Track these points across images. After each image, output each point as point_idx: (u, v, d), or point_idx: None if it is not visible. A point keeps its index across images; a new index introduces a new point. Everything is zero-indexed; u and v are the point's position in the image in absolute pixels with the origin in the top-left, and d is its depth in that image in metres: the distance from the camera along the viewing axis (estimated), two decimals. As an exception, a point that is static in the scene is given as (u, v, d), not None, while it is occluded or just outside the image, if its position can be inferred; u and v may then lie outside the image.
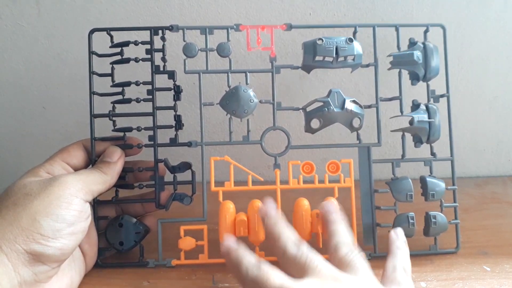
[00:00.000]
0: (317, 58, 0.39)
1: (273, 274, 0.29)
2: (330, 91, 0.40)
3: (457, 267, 0.38)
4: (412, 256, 0.39)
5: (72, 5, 0.52)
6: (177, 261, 0.39)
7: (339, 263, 0.31)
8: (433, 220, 0.39)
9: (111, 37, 0.40)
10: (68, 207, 0.31)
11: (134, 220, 0.39)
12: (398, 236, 0.36)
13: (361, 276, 0.30)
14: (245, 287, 0.30)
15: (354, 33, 0.41)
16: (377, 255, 0.40)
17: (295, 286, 0.28)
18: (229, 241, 0.33)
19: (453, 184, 0.41)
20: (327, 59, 0.39)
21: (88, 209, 0.34)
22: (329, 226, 0.35)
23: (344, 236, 0.34)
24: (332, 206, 0.36)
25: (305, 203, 0.39)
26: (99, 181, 0.35)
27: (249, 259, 0.30)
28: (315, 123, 0.40)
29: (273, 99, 0.40)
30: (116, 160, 0.37)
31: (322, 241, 0.38)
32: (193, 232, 0.39)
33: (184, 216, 0.40)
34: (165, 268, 0.38)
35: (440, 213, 0.40)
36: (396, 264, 0.33)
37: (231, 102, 0.39)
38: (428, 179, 0.40)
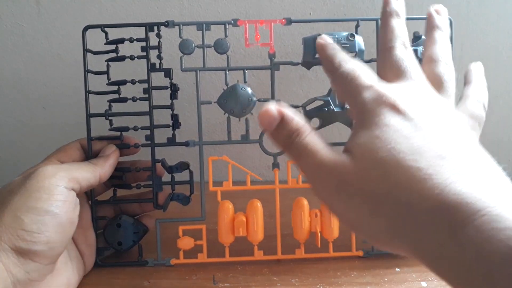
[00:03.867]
0: (318, 55, 0.38)
1: (365, 72, 0.26)
2: (330, 90, 0.39)
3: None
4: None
5: (72, 5, 0.52)
6: (176, 260, 0.39)
7: (432, 78, 0.28)
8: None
9: (106, 34, 0.39)
10: (49, 198, 0.30)
11: (132, 220, 0.39)
12: (439, 13, 0.32)
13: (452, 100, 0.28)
14: (334, 82, 0.29)
15: (357, 27, 0.39)
16: (375, 253, 0.40)
17: (386, 89, 0.25)
18: (326, 38, 0.31)
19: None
20: (327, 56, 0.38)
21: (74, 198, 0.32)
22: (431, 32, 0.31)
23: (445, 49, 0.30)
24: (442, 9, 0.33)
25: (304, 202, 0.39)
26: (85, 169, 0.34)
27: (344, 55, 0.29)
28: (315, 123, 0.39)
29: (272, 97, 0.39)
30: (109, 154, 0.37)
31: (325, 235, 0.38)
32: (191, 231, 0.39)
33: (183, 216, 0.39)
34: (165, 268, 0.39)
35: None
36: (434, 54, 0.29)
37: (229, 101, 0.38)
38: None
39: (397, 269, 0.38)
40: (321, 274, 0.37)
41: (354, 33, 0.38)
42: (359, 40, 0.38)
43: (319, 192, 0.26)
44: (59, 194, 0.31)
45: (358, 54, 0.38)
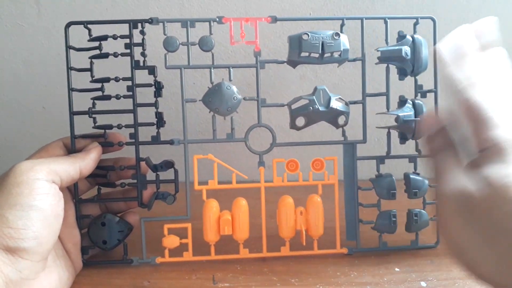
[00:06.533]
0: (303, 54, 0.38)
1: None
2: (315, 89, 0.39)
3: (457, 266, 0.39)
4: (395, 251, 0.40)
5: (72, 5, 0.52)
6: (161, 259, 0.39)
7: None
8: (415, 217, 0.39)
9: (89, 30, 0.38)
10: (31, 193, 0.30)
11: (117, 218, 0.38)
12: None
13: None
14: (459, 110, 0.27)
15: (342, 26, 0.39)
16: (359, 250, 0.40)
17: None
18: None
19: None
20: (313, 55, 0.38)
21: (56, 191, 0.32)
22: None
23: None
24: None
25: (289, 200, 0.40)
26: (63, 161, 0.33)
27: None
28: (300, 121, 0.39)
29: (258, 96, 0.39)
30: (90, 148, 0.36)
31: (307, 234, 0.39)
32: (177, 230, 0.39)
33: (168, 214, 0.39)
34: (166, 268, 0.38)
35: (422, 210, 0.40)
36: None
37: (214, 99, 0.38)
38: (411, 176, 0.40)
39: (397, 269, 0.38)
40: (321, 274, 0.37)
41: (339, 32, 0.38)
42: (343, 39, 0.38)
43: (440, 205, 0.27)
44: (40, 188, 0.30)
45: (343, 53, 0.38)
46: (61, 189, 0.33)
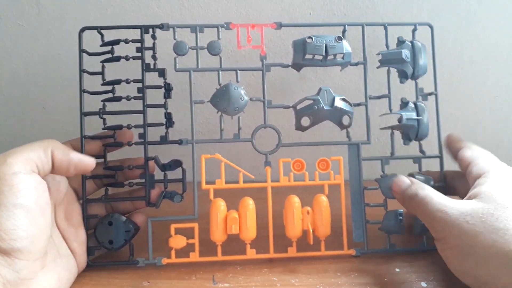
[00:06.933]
0: (307, 56, 0.40)
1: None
2: (320, 89, 0.40)
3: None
4: (395, 251, 0.40)
5: (72, 5, 0.52)
6: (167, 260, 0.38)
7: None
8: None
9: (102, 35, 0.40)
10: (11, 190, 0.28)
11: (124, 218, 0.38)
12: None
13: None
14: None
15: (343, 31, 0.41)
16: (367, 251, 0.40)
17: None
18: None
19: (442, 181, 0.41)
20: (316, 57, 0.40)
21: (37, 181, 0.30)
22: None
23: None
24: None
25: (295, 200, 0.40)
26: (36, 147, 0.31)
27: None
28: (305, 121, 0.40)
29: (264, 97, 0.40)
30: (82, 156, 0.35)
31: (314, 235, 0.39)
32: (183, 230, 0.39)
33: (175, 214, 0.39)
34: (165, 268, 0.38)
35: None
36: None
37: (222, 100, 0.39)
38: (416, 176, 0.40)
39: (397, 270, 0.38)
40: (321, 274, 0.37)
41: (342, 36, 0.40)
42: (345, 44, 0.40)
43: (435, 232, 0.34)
44: (19, 183, 0.29)
45: (345, 55, 0.40)
46: (42, 175, 0.32)
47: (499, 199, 0.32)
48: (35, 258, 0.30)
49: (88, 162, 0.35)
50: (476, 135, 0.58)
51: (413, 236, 0.41)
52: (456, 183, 0.40)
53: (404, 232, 0.40)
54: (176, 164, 0.39)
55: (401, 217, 0.40)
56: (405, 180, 0.37)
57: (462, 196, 0.36)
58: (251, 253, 0.39)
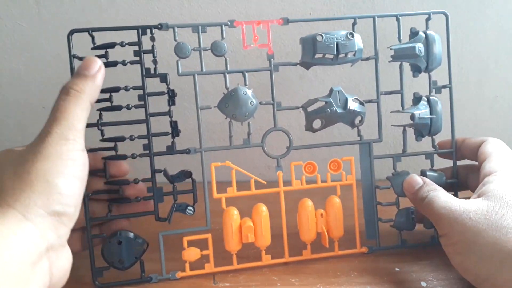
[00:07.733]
0: (317, 55, 0.37)
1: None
2: (331, 90, 0.38)
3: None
4: (413, 250, 0.40)
5: (72, 5, 0.52)
6: (182, 273, 0.37)
7: None
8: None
9: (93, 38, 0.36)
10: (74, 164, 0.30)
11: (132, 234, 0.37)
12: None
13: None
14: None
15: (353, 25, 0.39)
16: (380, 248, 0.40)
17: None
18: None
19: (454, 177, 0.41)
20: (327, 56, 0.38)
21: (86, 159, 0.32)
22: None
23: None
24: None
25: (309, 203, 0.39)
26: (80, 115, 0.32)
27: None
28: (316, 124, 0.39)
29: (273, 99, 0.38)
30: (95, 73, 0.33)
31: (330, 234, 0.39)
32: (195, 241, 0.37)
33: (184, 225, 0.38)
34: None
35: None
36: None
37: (231, 105, 0.37)
38: (428, 173, 0.40)
39: (397, 269, 0.38)
40: (321, 274, 0.37)
41: (353, 32, 0.38)
42: (357, 39, 0.38)
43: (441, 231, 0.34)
44: (79, 159, 0.31)
45: (357, 52, 0.38)
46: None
47: (506, 198, 0.32)
48: (72, 226, 0.30)
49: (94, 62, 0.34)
50: (476, 135, 0.58)
51: (425, 231, 0.41)
52: (469, 177, 0.41)
53: (414, 228, 0.40)
54: (185, 175, 0.37)
55: (413, 215, 0.40)
56: (417, 179, 0.37)
57: (474, 191, 0.36)
58: (266, 259, 0.39)
